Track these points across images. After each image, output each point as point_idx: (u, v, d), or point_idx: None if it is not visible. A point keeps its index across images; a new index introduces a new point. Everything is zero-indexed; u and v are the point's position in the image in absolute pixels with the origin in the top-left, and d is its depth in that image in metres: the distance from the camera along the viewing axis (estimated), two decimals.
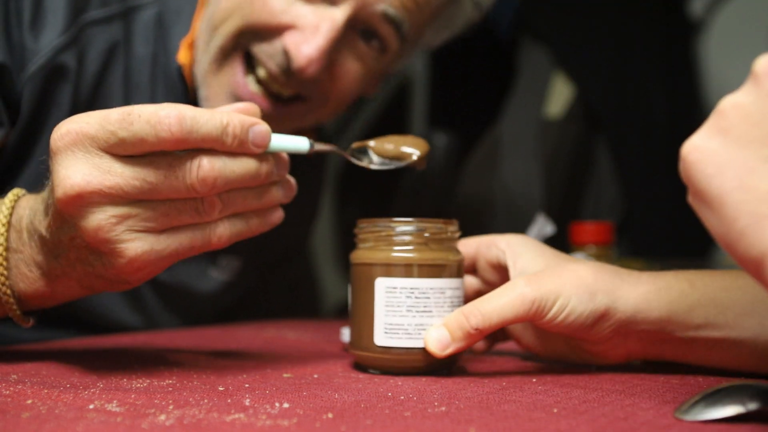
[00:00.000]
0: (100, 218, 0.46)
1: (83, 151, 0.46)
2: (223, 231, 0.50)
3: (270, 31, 0.71)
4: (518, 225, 1.11)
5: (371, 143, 0.58)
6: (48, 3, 0.71)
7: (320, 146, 0.54)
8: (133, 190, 0.46)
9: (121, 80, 0.76)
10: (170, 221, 0.48)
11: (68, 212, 0.47)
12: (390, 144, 0.58)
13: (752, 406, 0.38)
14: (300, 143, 0.52)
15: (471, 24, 0.86)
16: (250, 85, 0.73)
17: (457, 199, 1.42)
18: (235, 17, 0.71)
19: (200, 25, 0.76)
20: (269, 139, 0.50)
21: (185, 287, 0.85)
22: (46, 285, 0.53)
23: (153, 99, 0.77)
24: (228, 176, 0.48)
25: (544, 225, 0.81)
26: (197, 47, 0.75)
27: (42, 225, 0.50)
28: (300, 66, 0.69)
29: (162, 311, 0.85)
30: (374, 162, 0.58)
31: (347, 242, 0.57)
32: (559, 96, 1.33)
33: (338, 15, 0.69)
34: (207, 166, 0.47)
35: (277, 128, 0.75)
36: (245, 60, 0.73)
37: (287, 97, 0.74)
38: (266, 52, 0.71)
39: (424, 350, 0.52)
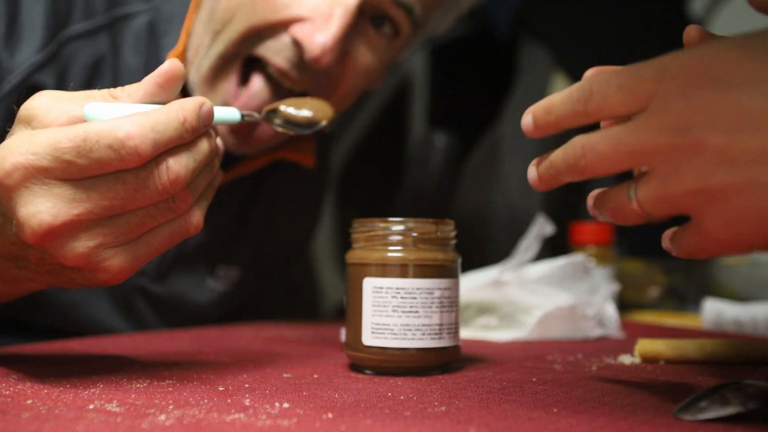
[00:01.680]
0: (77, 247, 0.44)
1: (40, 185, 0.43)
2: (197, 217, 0.49)
3: (275, 28, 0.68)
4: (518, 225, 1.11)
5: (281, 107, 0.61)
6: (25, 18, 0.67)
7: (249, 116, 0.55)
8: (104, 210, 0.44)
9: None
10: (146, 228, 0.47)
11: (42, 248, 0.45)
12: (293, 108, 0.61)
13: (752, 405, 0.38)
14: (232, 113, 0.53)
15: (476, 4, 0.85)
16: (256, 85, 0.70)
17: (458, 199, 1.42)
18: (238, 20, 0.68)
19: (197, 27, 0.73)
20: (214, 114, 0.49)
21: (182, 299, 0.83)
22: (7, 288, 0.52)
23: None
24: (194, 167, 0.47)
25: (543, 225, 0.81)
26: (197, 51, 0.72)
27: None
28: (314, 56, 0.66)
29: (158, 323, 0.83)
30: (281, 125, 0.60)
31: (346, 243, 0.57)
32: None
33: (350, 0, 0.67)
34: (175, 167, 0.45)
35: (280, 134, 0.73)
36: (244, 67, 0.70)
37: (297, 93, 0.71)
38: (273, 48, 0.69)
39: (409, 350, 0.52)
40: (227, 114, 0.53)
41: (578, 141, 0.41)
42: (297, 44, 0.68)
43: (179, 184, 0.46)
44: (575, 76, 1.33)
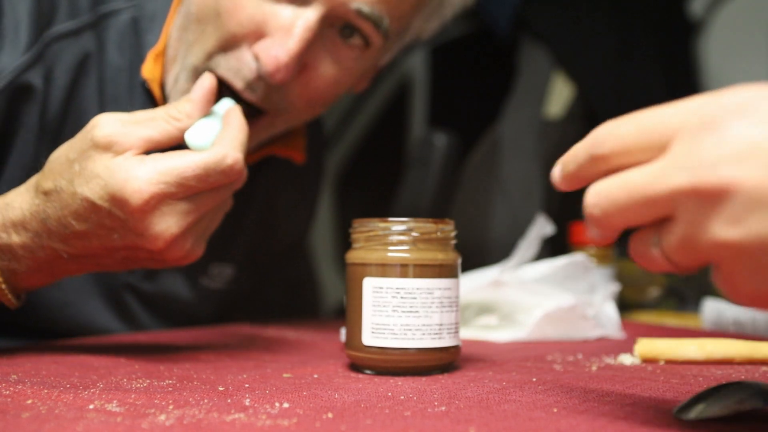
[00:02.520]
0: (184, 245, 0.56)
1: (167, 206, 0.54)
2: (230, 197, 0.60)
3: (237, 42, 0.67)
4: (518, 225, 1.11)
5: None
6: (8, 22, 0.67)
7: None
8: (204, 215, 0.57)
9: (96, 92, 0.73)
10: (217, 217, 0.60)
11: (161, 252, 0.56)
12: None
13: (752, 405, 0.38)
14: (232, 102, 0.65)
15: (464, 10, 0.83)
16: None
17: (457, 199, 1.42)
18: (207, 35, 0.67)
19: (174, 33, 0.71)
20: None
21: (173, 297, 0.83)
22: (43, 278, 0.60)
23: (131, 111, 0.73)
24: None
25: (543, 225, 0.81)
26: (174, 59, 0.71)
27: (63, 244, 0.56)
28: (268, 71, 0.64)
29: (151, 321, 0.82)
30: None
31: (346, 242, 0.57)
32: (559, 96, 1.33)
33: (310, 15, 0.65)
34: (245, 173, 0.58)
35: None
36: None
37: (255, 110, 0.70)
38: (234, 67, 0.67)
39: (409, 350, 0.52)
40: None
41: (591, 189, 0.36)
42: (257, 59, 0.66)
43: (244, 181, 0.59)
44: (575, 76, 1.33)
